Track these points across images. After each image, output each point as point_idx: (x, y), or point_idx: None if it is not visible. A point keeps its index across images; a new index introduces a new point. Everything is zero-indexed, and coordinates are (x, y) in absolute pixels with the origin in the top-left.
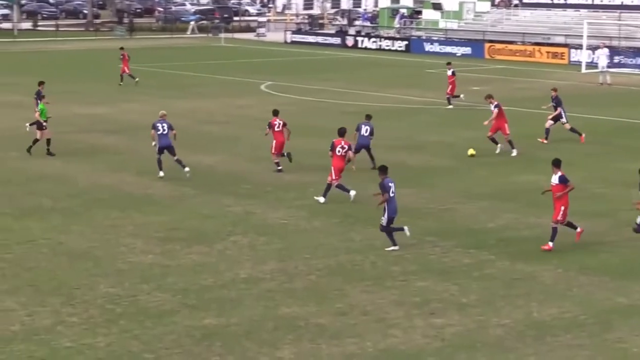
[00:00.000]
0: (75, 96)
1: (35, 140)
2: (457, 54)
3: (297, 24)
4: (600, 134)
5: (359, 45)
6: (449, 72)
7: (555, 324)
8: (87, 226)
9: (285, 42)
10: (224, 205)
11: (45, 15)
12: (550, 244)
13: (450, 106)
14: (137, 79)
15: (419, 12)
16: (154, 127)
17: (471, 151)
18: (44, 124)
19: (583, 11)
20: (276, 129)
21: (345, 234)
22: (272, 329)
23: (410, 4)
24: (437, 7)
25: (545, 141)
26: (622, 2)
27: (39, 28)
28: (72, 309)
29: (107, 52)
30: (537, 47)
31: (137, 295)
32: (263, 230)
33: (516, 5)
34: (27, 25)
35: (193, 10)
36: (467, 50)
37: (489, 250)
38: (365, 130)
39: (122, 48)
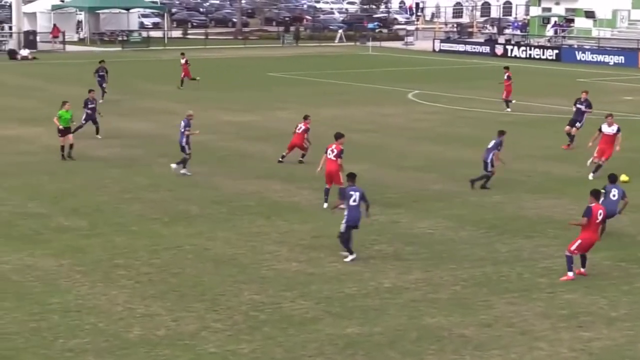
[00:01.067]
0: (223, 104)
1: (62, 147)
2: (610, 63)
3: (446, 32)
4: None
5: (509, 54)
6: (505, 77)
7: None
8: (233, 233)
9: (434, 51)
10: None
11: (195, 24)
12: (570, 274)
13: (509, 109)
14: (198, 78)
15: (571, 20)
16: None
17: (624, 177)
18: (62, 128)
19: None
20: (297, 131)
21: (492, 245)
22: (416, 339)
23: (562, 12)
24: (589, 15)
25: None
26: None
27: (189, 36)
28: (216, 315)
29: (256, 60)
30: None
31: (280, 303)
32: (408, 239)
33: None
34: (177, 33)
35: (341, 18)
36: (620, 59)
37: (639, 264)
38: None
39: (182, 53)
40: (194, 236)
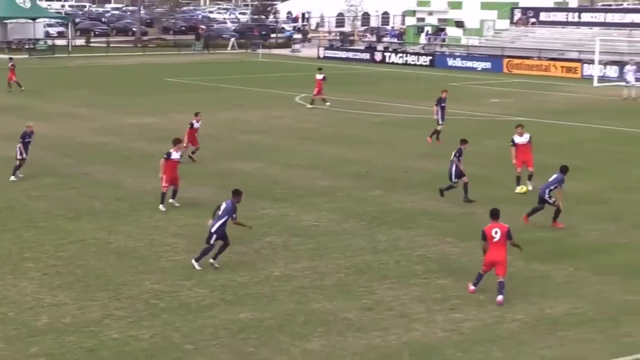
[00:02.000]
0: (125, 107)
1: None
2: (478, 69)
3: (330, 40)
4: (612, 142)
5: (387, 60)
6: (319, 77)
7: (566, 319)
8: (133, 227)
9: (319, 58)
10: (260, 208)
11: (97, 33)
12: (472, 287)
13: (310, 106)
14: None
15: (443, 30)
16: None
17: (524, 189)
18: None
19: (595, 29)
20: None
21: (372, 235)
22: (303, 323)
23: (435, 22)
24: (459, 24)
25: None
26: (632, 21)
27: (92, 44)
28: (119, 303)
29: (154, 66)
30: (552, 62)
31: (178, 291)
32: (296, 231)
33: (533, 23)
34: (80, 42)
35: (233, 28)
36: (487, 65)
37: (508, 250)
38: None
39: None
40: (97, 230)
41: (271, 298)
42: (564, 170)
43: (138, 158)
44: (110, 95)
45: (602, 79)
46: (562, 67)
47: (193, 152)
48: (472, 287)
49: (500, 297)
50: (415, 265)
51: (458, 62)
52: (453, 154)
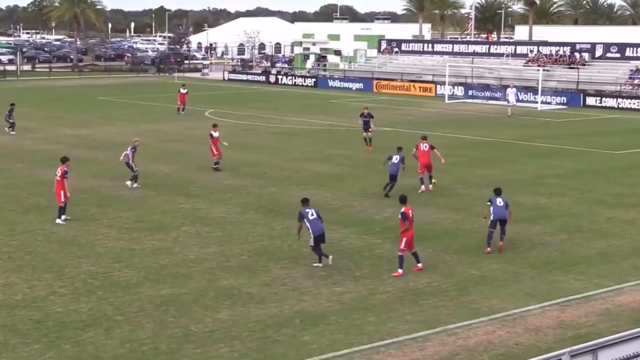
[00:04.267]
0: (64, 121)
1: None
2: (353, 89)
3: (233, 65)
4: (459, 147)
5: (279, 82)
6: (183, 91)
7: (426, 290)
8: (74, 220)
9: (224, 80)
10: (177, 203)
11: (41, 60)
12: (400, 270)
13: (182, 113)
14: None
15: (325, 57)
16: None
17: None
18: None
19: (445, 57)
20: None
21: (269, 224)
22: (213, 297)
23: (318, 51)
24: (337, 53)
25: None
26: (474, 51)
27: (37, 69)
28: (61, 282)
29: (89, 87)
30: (412, 83)
31: (110, 272)
32: (207, 222)
33: (396, 52)
34: (27, 67)
35: (153, 55)
36: (360, 85)
37: (376, 236)
38: (395, 158)
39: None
40: (43, 223)
41: (187, 277)
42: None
43: (75, 163)
44: (52, 111)
45: (451, 97)
46: (420, 87)
47: (216, 163)
48: (400, 271)
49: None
50: (304, 248)
51: (337, 83)
52: (397, 159)
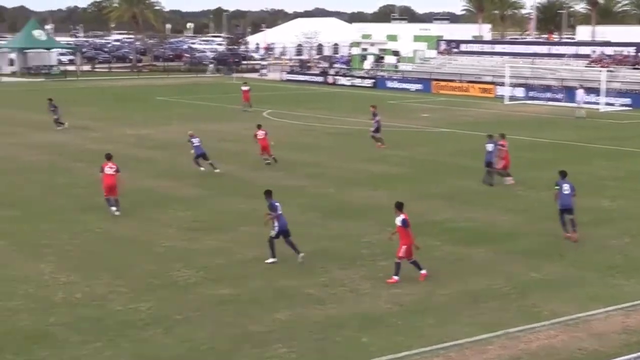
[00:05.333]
0: (124, 121)
1: None
2: (412, 89)
3: (290, 66)
4: (519, 149)
5: (337, 83)
6: (245, 88)
7: (485, 293)
8: (133, 219)
9: (281, 80)
10: (235, 203)
11: (100, 60)
12: (395, 277)
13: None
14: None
15: (382, 58)
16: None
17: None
18: None
19: (505, 57)
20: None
21: (327, 225)
22: (272, 297)
23: (376, 51)
24: (395, 54)
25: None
26: (534, 51)
27: (97, 69)
28: (121, 281)
29: (148, 87)
30: (471, 84)
31: (169, 272)
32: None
33: (455, 53)
34: (87, 67)
35: (212, 55)
36: (419, 86)
37: (434, 238)
38: (489, 147)
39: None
40: (103, 222)
41: (246, 277)
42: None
43: (134, 162)
44: (112, 111)
45: (511, 98)
46: (479, 88)
47: (267, 159)
48: (396, 278)
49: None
50: (362, 250)
51: (395, 84)
52: (491, 147)
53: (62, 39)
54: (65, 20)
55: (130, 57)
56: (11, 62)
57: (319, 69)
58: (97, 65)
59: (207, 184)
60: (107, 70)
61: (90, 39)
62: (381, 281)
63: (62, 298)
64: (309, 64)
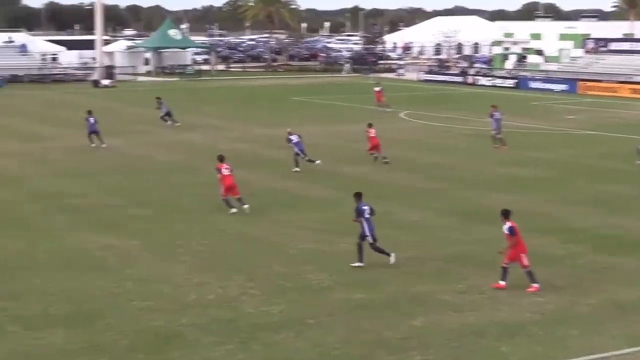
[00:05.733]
0: (257, 120)
1: None
2: (556, 90)
3: (429, 65)
4: None
5: (477, 83)
6: (377, 89)
7: (635, 304)
8: (265, 220)
9: (418, 80)
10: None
11: (235, 59)
12: (502, 282)
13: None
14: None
15: (525, 57)
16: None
17: None
18: None
19: None
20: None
21: (465, 229)
22: (408, 303)
23: (519, 50)
24: (539, 53)
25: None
26: None
27: (231, 69)
28: (253, 283)
29: (283, 87)
30: (620, 85)
31: (302, 274)
32: (400, 225)
33: (603, 52)
34: (221, 67)
35: (348, 55)
36: (564, 87)
37: (578, 245)
38: None
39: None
40: (236, 222)
41: (380, 282)
42: None
43: (268, 162)
44: (245, 110)
45: None
46: (630, 88)
47: (384, 157)
48: (502, 283)
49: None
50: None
51: (539, 85)
52: None
53: (197, 39)
54: (200, 19)
55: (265, 56)
56: (146, 62)
57: (458, 68)
58: (231, 65)
59: (339, 185)
60: (241, 69)
61: (225, 38)
62: (521, 289)
63: (195, 299)
64: (447, 64)
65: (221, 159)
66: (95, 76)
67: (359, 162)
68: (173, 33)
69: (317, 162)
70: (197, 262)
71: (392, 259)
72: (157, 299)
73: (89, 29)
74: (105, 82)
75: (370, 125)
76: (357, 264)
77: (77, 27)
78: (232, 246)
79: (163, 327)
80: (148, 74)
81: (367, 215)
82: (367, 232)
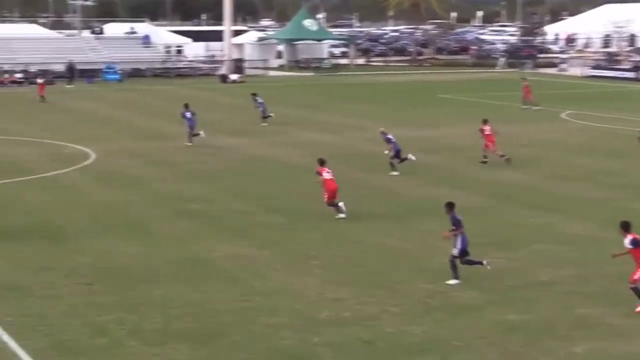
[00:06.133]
0: (398, 120)
1: None
2: None
3: (595, 60)
4: None
5: None
6: (526, 84)
7: None
8: (408, 230)
9: (583, 76)
10: (527, 217)
11: (376, 53)
12: None
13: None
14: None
15: None
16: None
17: None
18: None
19: None
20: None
21: None
22: (568, 327)
23: None
24: None
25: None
26: None
27: (371, 63)
28: (394, 300)
29: (429, 84)
30: None
31: (449, 292)
32: (562, 239)
33: None
34: (361, 61)
35: (503, 48)
36: None
37: None
38: None
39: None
40: (375, 232)
41: (537, 302)
42: None
43: (411, 166)
44: (386, 109)
45: None
46: None
47: (501, 155)
48: None
49: None
50: None
51: None
52: None
53: (335, 30)
54: (338, 8)
55: (410, 49)
56: (279, 55)
57: (630, 63)
58: (372, 59)
59: (492, 192)
60: (383, 64)
61: (365, 29)
62: None
63: (329, 316)
64: (618, 58)
65: (322, 162)
66: (222, 70)
67: (514, 168)
68: (308, 23)
69: (412, 157)
70: (331, 275)
71: (487, 264)
72: (288, 315)
73: (217, 19)
74: (234, 77)
75: (485, 122)
76: (453, 282)
77: (203, 16)
78: (370, 258)
79: (294, 347)
80: (280, 68)
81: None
82: (462, 246)
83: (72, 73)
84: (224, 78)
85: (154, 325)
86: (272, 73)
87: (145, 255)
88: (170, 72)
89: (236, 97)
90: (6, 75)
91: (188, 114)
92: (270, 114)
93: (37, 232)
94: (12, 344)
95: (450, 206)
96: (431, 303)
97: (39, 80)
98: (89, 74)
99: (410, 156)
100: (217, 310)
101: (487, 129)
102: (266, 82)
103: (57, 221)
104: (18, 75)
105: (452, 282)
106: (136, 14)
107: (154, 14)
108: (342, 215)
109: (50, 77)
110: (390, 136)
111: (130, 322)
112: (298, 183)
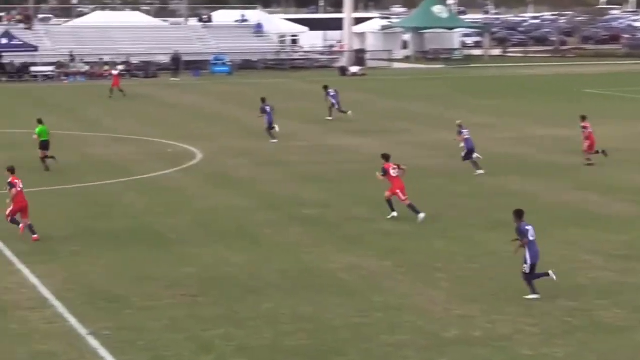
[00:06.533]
0: (537, 118)
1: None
2: None
3: None
4: None
5: None
6: None
7: None
8: (547, 241)
9: None
10: None
11: (514, 43)
12: None
13: None
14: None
15: None
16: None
17: None
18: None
19: None
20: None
21: None
22: None
23: None
24: None
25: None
26: None
27: (508, 54)
28: (530, 319)
29: (573, 77)
30: None
31: (593, 310)
32: None
33: None
34: (496, 51)
35: None
36: None
37: None
38: None
39: None
40: (508, 243)
41: None
42: None
43: (553, 170)
44: (523, 105)
45: None
46: None
47: (604, 152)
48: None
49: None
50: None
51: None
52: None
53: (468, 17)
54: None
55: (552, 38)
56: (404, 45)
57: None
58: (509, 49)
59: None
60: (521, 54)
61: (502, 16)
62: None
63: (457, 335)
64: None
65: (387, 157)
66: (342, 62)
67: None
68: (438, 10)
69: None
70: (460, 289)
71: (553, 275)
72: (411, 333)
73: (337, 6)
74: (354, 69)
75: (584, 119)
76: (532, 297)
77: (321, 3)
78: (504, 272)
79: None
80: (406, 59)
81: (531, 237)
82: (532, 261)
83: (178, 65)
84: (343, 71)
85: (263, 342)
86: (396, 65)
87: (254, 264)
88: (284, 64)
89: (356, 92)
90: (106, 68)
91: (268, 108)
92: (348, 111)
93: (136, 238)
94: (110, 359)
95: (519, 214)
96: (574, 323)
97: (114, 72)
98: (196, 66)
99: (477, 155)
100: (333, 326)
101: (588, 126)
102: (390, 75)
103: (158, 226)
104: (120, 67)
105: (531, 296)
106: (248, 0)
107: (268, 1)
108: (394, 214)
109: (154, 69)
110: (464, 131)
111: (238, 338)
112: (423, 187)
